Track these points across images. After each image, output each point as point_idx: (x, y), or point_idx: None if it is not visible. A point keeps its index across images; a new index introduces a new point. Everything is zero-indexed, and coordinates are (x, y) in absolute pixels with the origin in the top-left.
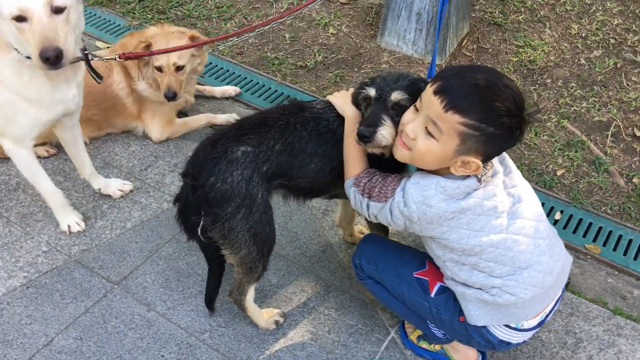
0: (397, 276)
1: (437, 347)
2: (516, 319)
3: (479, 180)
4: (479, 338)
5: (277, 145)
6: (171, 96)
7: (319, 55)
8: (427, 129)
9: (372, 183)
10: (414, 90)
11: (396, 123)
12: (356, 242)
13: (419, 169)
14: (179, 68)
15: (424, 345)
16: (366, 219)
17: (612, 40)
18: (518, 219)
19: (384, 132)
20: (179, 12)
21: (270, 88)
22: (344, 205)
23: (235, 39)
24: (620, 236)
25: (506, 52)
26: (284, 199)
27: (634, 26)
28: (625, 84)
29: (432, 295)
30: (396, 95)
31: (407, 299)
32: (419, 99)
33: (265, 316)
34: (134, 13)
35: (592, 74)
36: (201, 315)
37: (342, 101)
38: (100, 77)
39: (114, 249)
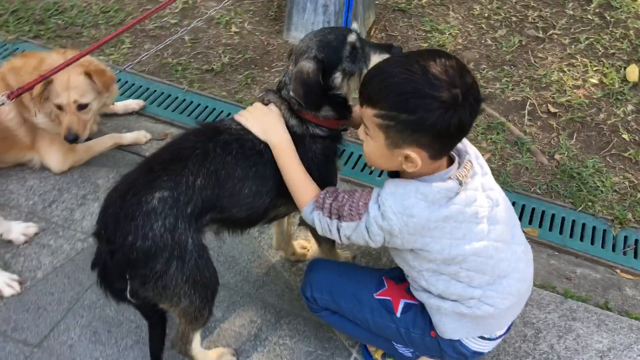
0: (357, 302)
1: None
2: (491, 330)
3: (460, 183)
4: (452, 352)
5: (198, 180)
6: (71, 139)
7: (225, 56)
8: (364, 130)
9: (339, 202)
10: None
11: None
12: (300, 258)
13: (391, 176)
14: (81, 106)
15: None
16: (311, 231)
17: (513, 18)
18: (497, 224)
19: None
20: (60, 21)
21: (177, 97)
22: (278, 226)
23: (128, 46)
24: (553, 215)
25: (415, 38)
26: (216, 235)
27: (532, 2)
28: (532, 61)
29: (398, 314)
30: (354, 25)
31: (372, 324)
32: None
33: (215, 358)
34: (8, 26)
35: (500, 54)
36: None
37: (260, 125)
38: None
39: (27, 306)
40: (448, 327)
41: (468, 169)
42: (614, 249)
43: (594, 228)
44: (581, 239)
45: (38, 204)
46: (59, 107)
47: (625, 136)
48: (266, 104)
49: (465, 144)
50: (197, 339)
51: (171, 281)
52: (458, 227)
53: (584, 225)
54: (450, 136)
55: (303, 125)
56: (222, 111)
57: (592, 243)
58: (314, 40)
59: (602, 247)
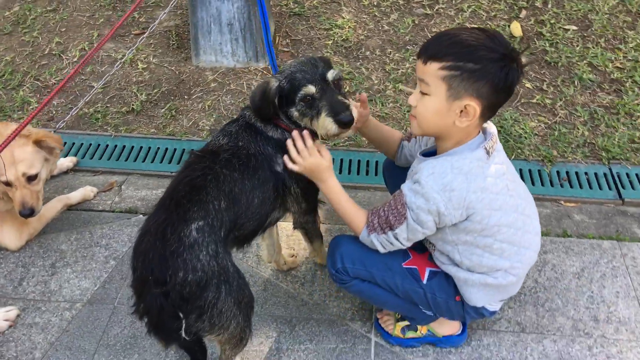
0: (389, 270)
1: (424, 331)
2: (510, 294)
3: (487, 153)
4: (474, 313)
5: (222, 203)
6: (28, 214)
7: (141, 94)
8: (421, 92)
9: (383, 217)
10: (330, 65)
11: (346, 98)
12: (292, 266)
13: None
14: (30, 178)
15: (411, 334)
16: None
17: (400, 1)
18: (520, 198)
19: (354, 110)
20: None
21: (107, 145)
22: (268, 238)
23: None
24: None
25: (318, 37)
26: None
27: None
28: (429, 36)
29: (425, 281)
30: (332, 74)
31: (401, 289)
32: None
33: None
34: None
35: (400, 36)
36: None
37: (310, 174)
38: None
39: None
40: (474, 296)
41: (494, 141)
42: (552, 184)
43: (530, 171)
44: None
45: (7, 286)
46: (7, 184)
47: (528, 85)
48: (240, 118)
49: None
50: None
51: (224, 305)
52: (495, 198)
53: (521, 170)
54: (503, 92)
55: (278, 130)
56: (158, 148)
57: (532, 184)
58: (292, 67)
59: (542, 185)
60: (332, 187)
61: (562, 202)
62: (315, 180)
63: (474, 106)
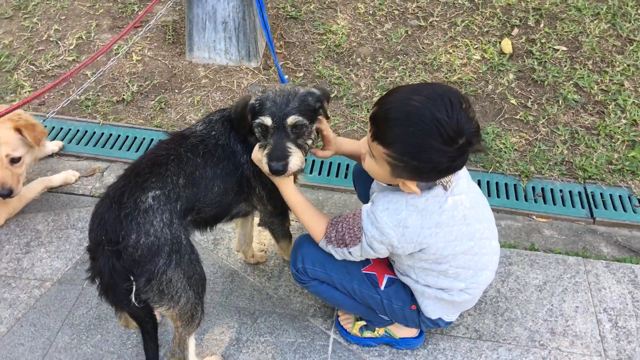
0: (347, 274)
1: (381, 332)
2: (464, 309)
3: (445, 188)
4: (430, 323)
5: (180, 180)
6: (6, 194)
7: (133, 85)
8: (370, 154)
9: (340, 233)
10: (306, 108)
11: (300, 145)
12: (260, 260)
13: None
14: (13, 160)
15: (368, 334)
16: (270, 231)
17: (396, 12)
18: (480, 223)
19: (294, 161)
20: None
21: (94, 132)
22: (241, 227)
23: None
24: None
25: (312, 42)
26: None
27: None
28: (421, 48)
29: (382, 288)
30: (292, 120)
31: (358, 294)
32: None
33: None
34: None
35: (391, 45)
36: None
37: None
38: None
39: None
40: (429, 308)
41: (452, 174)
42: (526, 199)
43: (505, 184)
44: (498, 196)
45: None
46: None
47: (513, 101)
48: (226, 110)
49: None
50: (192, 344)
51: (173, 275)
52: (450, 231)
53: (497, 183)
54: (447, 172)
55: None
56: (144, 138)
57: (507, 197)
58: (271, 93)
59: (517, 199)
60: (293, 197)
61: (534, 216)
62: (279, 185)
63: (414, 188)
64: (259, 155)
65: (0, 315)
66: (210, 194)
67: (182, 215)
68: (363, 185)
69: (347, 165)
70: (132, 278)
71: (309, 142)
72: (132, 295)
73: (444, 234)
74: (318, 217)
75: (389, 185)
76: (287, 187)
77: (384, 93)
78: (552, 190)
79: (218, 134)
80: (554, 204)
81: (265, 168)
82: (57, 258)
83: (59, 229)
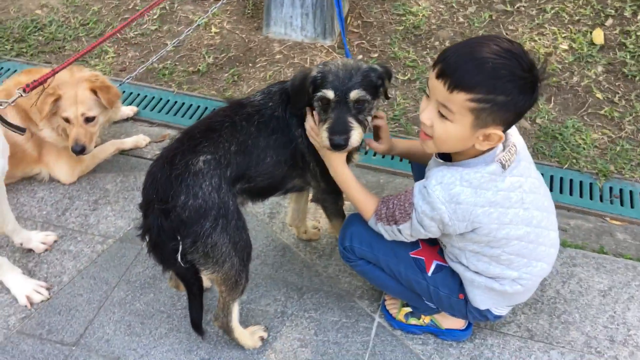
0: (394, 256)
1: (427, 320)
2: (516, 302)
3: (503, 166)
4: (477, 314)
5: (232, 147)
6: (79, 150)
7: (209, 57)
8: (440, 113)
9: (390, 210)
10: (369, 84)
11: (360, 121)
12: (312, 237)
13: (438, 156)
14: (88, 119)
15: (413, 321)
16: (323, 208)
17: None
18: (539, 211)
19: (355, 136)
20: (40, 38)
21: (168, 100)
22: (295, 202)
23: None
24: (542, 174)
25: (390, 22)
26: (242, 206)
27: None
28: (505, 34)
29: (430, 274)
30: (355, 94)
31: (404, 277)
32: (427, 86)
33: (249, 335)
34: None
35: (473, 30)
36: (180, 354)
37: (328, 155)
38: (22, 129)
39: (58, 309)
40: (478, 297)
41: (512, 153)
42: (601, 200)
43: (580, 182)
44: (570, 194)
45: (52, 214)
46: (67, 120)
47: (599, 95)
48: (287, 82)
49: (511, 130)
50: (236, 311)
51: (218, 239)
52: (505, 212)
53: (571, 181)
54: (524, 113)
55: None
56: (214, 109)
57: (580, 196)
58: (333, 66)
59: (591, 199)
60: (343, 174)
61: (608, 218)
62: (329, 162)
63: (499, 134)
64: (314, 129)
65: (64, 266)
66: (262, 164)
67: (232, 182)
68: (421, 170)
69: None
70: (178, 238)
71: (369, 119)
72: (178, 255)
73: (498, 214)
74: (368, 195)
75: (446, 162)
76: (337, 162)
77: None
78: (631, 192)
79: (275, 105)
80: (632, 207)
81: (325, 142)
82: (121, 217)
83: (126, 189)
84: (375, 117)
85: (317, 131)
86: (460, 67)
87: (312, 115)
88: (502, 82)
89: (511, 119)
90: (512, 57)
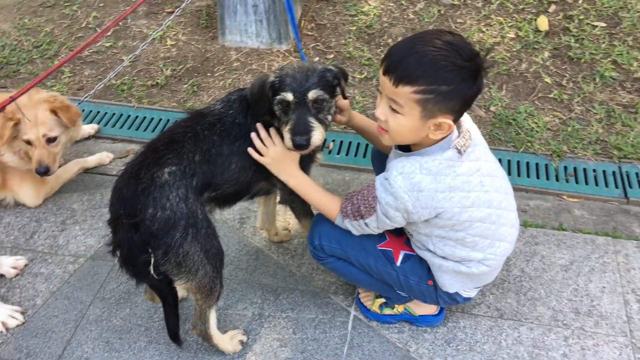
0: (363, 250)
1: (401, 309)
2: (483, 283)
3: (459, 152)
4: (448, 298)
5: (196, 157)
6: (43, 171)
7: (167, 69)
8: (391, 108)
9: (355, 205)
10: (326, 84)
11: (321, 120)
12: (283, 239)
13: (397, 148)
14: (50, 140)
15: (388, 311)
16: (292, 209)
17: None
18: (496, 192)
19: (317, 135)
20: None
21: (129, 115)
22: (264, 206)
23: (68, 74)
24: (500, 159)
25: (343, 23)
26: (211, 214)
27: None
28: (454, 27)
29: (398, 264)
30: (313, 94)
31: (374, 270)
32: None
33: (228, 339)
34: None
35: (423, 26)
36: None
37: (276, 170)
38: None
39: (34, 332)
40: (447, 282)
41: (467, 139)
42: (557, 179)
43: (536, 164)
44: (528, 176)
45: (19, 238)
46: (29, 143)
47: (547, 80)
48: (245, 89)
49: (463, 117)
50: (213, 317)
51: (190, 248)
52: (466, 196)
53: (527, 163)
54: (472, 101)
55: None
56: (176, 120)
57: (537, 178)
58: (289, 69)
59: (547, 179)
60: (301, 181)
61: (565, 197)
62: (283, 177)
63: (449, 122)
64: (284, 135)
65: (37, 289)
66: (227, 171)
67: (199, 191)
68: (381, 164)
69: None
70: (150, 250)
71: (329, 117)
72: (151, 268)
73: (459, 198)
74: (329, 195)
75: (405, 152)
76: (291, 170)
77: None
78: (584, 170)
79: (235, 113)
80: (587, 184)
81: (288, 144)
82: (90, 235)
83: (93, 208)
84: None
85: (273, 139)
86: (402, 62)
87: (259, 131)
88: (442, 72)
89: (458, 107)
90: (452, 49)
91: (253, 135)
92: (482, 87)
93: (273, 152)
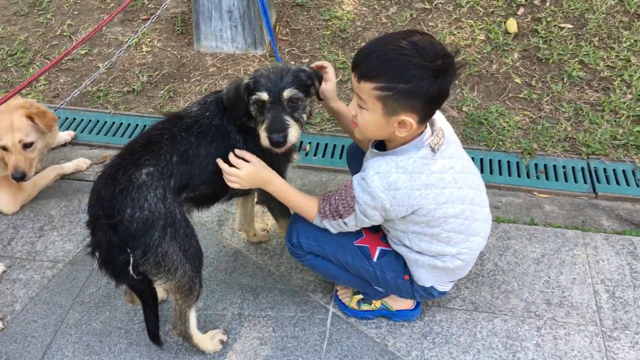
0: (340, 247)
1: (378, 304)
2: (457, 277)
3: (433, 150)
4: (423, 292)
5: (174, 157)
6: (19, 177)
7: (143, 76)
8: (358, 104)
9: (333, 206)
10: (300, 83)
11: (296, 119)
12: (262, 239)
13: (374, 147)
14: (26, 145)
15: (365, 307)
16: (269, 210)
17: None
18: (470, 188)
19: (293, 133)
20: None
21: (106, 122)
22: (242, 207)
23: (43, 82)
24: (473, 158)
25: (317, 28)
26: (189, 214)
27: None
28: (426, 30)
29: (375, 259)
30: (287, 93)
31: (352, 266)
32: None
33: (208, 339)
34: None
35: (396, 29)
36: None
37: (253, 182)
38: None
39: (14, 337)
40: (423, 276)
41: (440, 137)
42: (528, 176)
43: (508, 162)
44: (500, 174)
45: None
46: (4, 149)
47: (517, 80)
48: (222, 91)
49: (436, 115)
50: (193, 317)
51: (169, 247)
52: (440, 192)
53: (499, 161)
54: (437, 101)
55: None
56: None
57: (509, 175)
58: (264, 70)
59: (519, 176)
60: (278, 186)
61: (536, 193)
62: (261, 185)
63: (410, 120)
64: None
65: (16, 295)
66: (204, 172)
67: (177, 192)
68: (357, 164)
69: None
70: (128, 251)
71: (304, 117)
72: (130, 268)
73: (434, 195)
74: (306, 197)
75: (380, 151)
76: (266, 175)
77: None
78: (554, 166)
79: (212, 115)
80: (556, 180)
81: (265, 142)
82: (68, 241)
83: (70, 213)
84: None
85: (239, 160)
86: (365, 59)
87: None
88: (400, 70)
89: (420, 106)
90: (414, 48)
91: (221, 163)
92: (446, 87)
93: (244, 172)
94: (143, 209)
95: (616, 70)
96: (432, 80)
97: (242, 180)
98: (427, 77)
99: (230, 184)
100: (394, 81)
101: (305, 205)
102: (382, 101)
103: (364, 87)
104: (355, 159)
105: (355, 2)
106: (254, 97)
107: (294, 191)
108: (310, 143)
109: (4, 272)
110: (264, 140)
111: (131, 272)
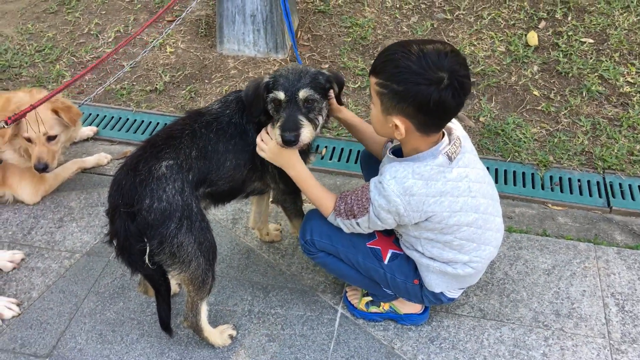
0: (352, 247)
1: (386, 307)
2: (467, 284)
3: (449, 158)
4: (432, 298)
5: (193, 152)
6: (41, 168)
7: (165, 75)
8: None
9: (349, 205)
10: (317, 85)
11: (310, 119)
12: (274, 239)
13: (394, 153)
14: (50, 138)
15: (374, 309)
16: (283, 209)
17: (423, 5)
18: (485, 198)
19: (306, 133)
20: None
21: (128, 119)
22: (257, 205)
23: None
24: (488, 168)
25: (338, 35)
26: (206, 210)
27: None
28: (446, 40)
29: (386, 262)
30: (303, 94)
31: (362, 267)
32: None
33: (218, 333)
34: None
35: (413, 38)
36: (152, 357)
37: (278, 161)
38: None
39: (29, 323)
40: (433, 282)
41: (457, 146)
42: (542, 188)
43: (523, 173)
44: (514, 184)
45: (17, 233)
46: (29, 140)
47: (535, 92)
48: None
49: (455, 125)
50: (204, 310)
51: (184, 239)
52: (455, 201)
53: (514, 172)
54: (431, 112)
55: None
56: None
57: (524, 186)
58: (283, 71)
59: (533, 187)
60: (300, 173)
61: (550, 204)
62: (284, 167)
63: (400, 124)
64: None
65: (33, 282)
66: (222, 168)
67: (195, 186)
68: (371, 170)
69: None
70: (145, 240)
71: (320, 119)
72: (146, 257)
73: (448, 203)
74: (326, 192)
75: (398, 157)
76: (294, 162)
77: None
78: (569, 179)
79: (232, 112)
80: (571, 192)
81: (278, 139)
82: (87, 232)
83: (90, 206)
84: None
85: (267, 138)
86: (379, 56)
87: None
88: (396, 71)
89: (412, 111)
90: (419, 55)
91: (263, 131)
92: (445, 100)
93: (270, 145)
94: (161, 200)
95: (636, 86)
96: (423, 87)
97: (268, 152)
98: (421, 84)
99: (258, 151)
100: (390, 80)
101: (323, 199)
102: (379, 97)
103: (371, 80)
104: (369, 165)
105: (376, 10)
106: (271, 95)
107: (314, 182)
108: (326, 147)
109: (23, 259)
110: (277, 137)
111: (147, 261)
